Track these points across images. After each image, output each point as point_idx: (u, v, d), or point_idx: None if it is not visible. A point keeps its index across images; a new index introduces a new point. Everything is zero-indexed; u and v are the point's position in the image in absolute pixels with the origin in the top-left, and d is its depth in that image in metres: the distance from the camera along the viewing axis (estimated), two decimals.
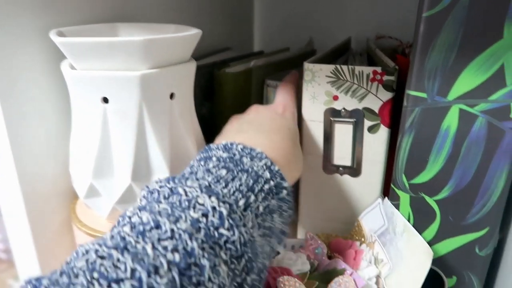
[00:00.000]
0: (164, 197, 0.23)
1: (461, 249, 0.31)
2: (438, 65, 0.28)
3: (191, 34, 0.32)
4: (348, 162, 0.39)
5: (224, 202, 0.22)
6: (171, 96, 0.32)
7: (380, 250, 0.33)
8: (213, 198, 0.22)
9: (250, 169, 0.26)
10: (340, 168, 0.39)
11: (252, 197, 0.24)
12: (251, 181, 0.25)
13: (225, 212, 0.22)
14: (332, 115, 0.38)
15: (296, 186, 0.44)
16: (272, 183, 0.26)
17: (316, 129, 0.39)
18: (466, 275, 0.31)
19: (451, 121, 0.28)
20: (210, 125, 0.47)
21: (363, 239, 0.36)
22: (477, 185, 0.29)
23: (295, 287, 0.28)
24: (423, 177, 0.31)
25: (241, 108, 0.45)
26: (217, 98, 0.45)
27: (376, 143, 0.37)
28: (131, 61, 0.29)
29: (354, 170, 0.39)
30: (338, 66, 0.36)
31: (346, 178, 0.39)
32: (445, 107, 0.28)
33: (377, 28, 0.58)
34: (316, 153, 0.40)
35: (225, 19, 0.61)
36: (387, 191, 0.36)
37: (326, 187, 0.41)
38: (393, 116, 0.37)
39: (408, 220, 0.32)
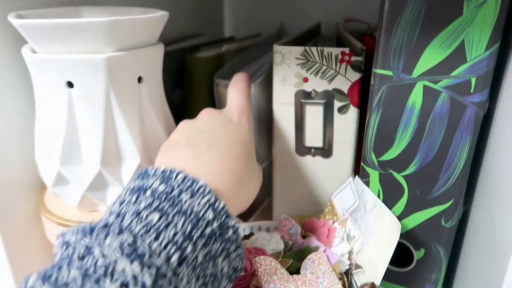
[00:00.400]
0: (78, 257, 0.20)
1: (428, 222, 0.32)
2: (402, 43, 0.28)
3: (158, 16, 0.31)
4: (319, 144, 0.39)
5: (149, 267, 0.19)
6: (139, 79, 0.31)
7: (352, 227, 0.34)
8: (135, 264, 0.19)
9: (189, 211, 0.22)
10: (312, 150, 0.40)
11: (189, 248, 0.21)
12: (189, 227, 0.22)
13: (149, 281, 0.19)
14: (303, 97, 0.38)
15: (269, 169, 0.44)
16: (215, 224, 0.23)
17: (287, 111, 0.39)
18: (433, 246, 0.33)
19: (416, 97, 0.29)
20: (182, 112, 0.46)
21: (335, 218, 0.36)
22: (442, 159, 0.30)
23: (271, 266, 0.28)
24: (391, 154, 0.31)
25: (213, 94, 0.45)
26: (189, 84, 0.44)
27: (346, 124, 0.38)
28: (96, 43, 0.28)
29: (326, 151, 0.39)
30: (307, 48, 0.36)
31: (318, 159, 0.40)
32: (410, 84, 0.29)
33: (347, 12, 0.59)
34: (288, 135, 0.40)
35: (194, 4, 0.60)
36: (358, 171, 0.36)
37: (299, 169, 0.41)
38: (361, 96, 0.37)
39: (378, 197, 0.33)
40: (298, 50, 0.36)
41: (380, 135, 0.31)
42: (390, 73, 0.29)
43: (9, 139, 0.35)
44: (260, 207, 0.47)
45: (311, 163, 0.40)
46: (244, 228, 0.39)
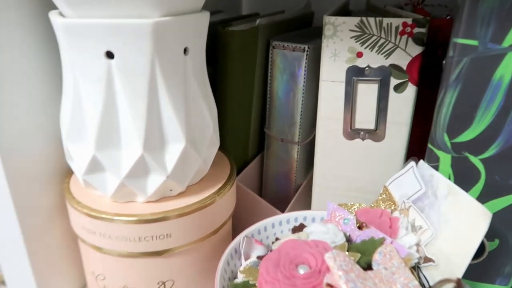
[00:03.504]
0: None
1: (506, 210, 0.29)
2: (493, 8, 0.25)
3: None
4: (371, 126, 0.36)
5: None
6: (185, 51, 0.27)
7: (418, 217, 0.31)
8: None
9: None
10: (362, 133, 0.36)
11: None
12: None
13: None
14: (355, 74, 0.34)
15: (311, 154, 0.40)
16: None
17: (336, 90, 0.35)
18: (510, 237, 0.30)
19: (505, 70, 0.26)
20: (213, 92, 0.42)
21: (393, 207, 0.33)
22: None
23: (346, 261, 0.25)
24: (468, 135, 0.28)
25: (247, 71, 0.41)
26: (221, 59, 0.40)
27: (402, 103, 0.35)
28: (140, 6, 0.24)
29: (378, 134, 0.36)
30: (363, 19, 0.32)
31: (368, 143, 0.37)
32: (499, 55, 0.26)
33: None
34: (336, 117, 0.36)
35: None
36: (409, 155, 0.33)
37: (346, 154, 0.38)
38: (420, 73, 0.34)
39: None
40: (353, 21, 0.33)
41: (456, 113, 0.28)
42: (475, 42, 0.26)
43: (32, 122, 0.31)
44: (296, 194, 0.44)
45: (360, 147, 0.37)
46: (288, 219, 0.36)
